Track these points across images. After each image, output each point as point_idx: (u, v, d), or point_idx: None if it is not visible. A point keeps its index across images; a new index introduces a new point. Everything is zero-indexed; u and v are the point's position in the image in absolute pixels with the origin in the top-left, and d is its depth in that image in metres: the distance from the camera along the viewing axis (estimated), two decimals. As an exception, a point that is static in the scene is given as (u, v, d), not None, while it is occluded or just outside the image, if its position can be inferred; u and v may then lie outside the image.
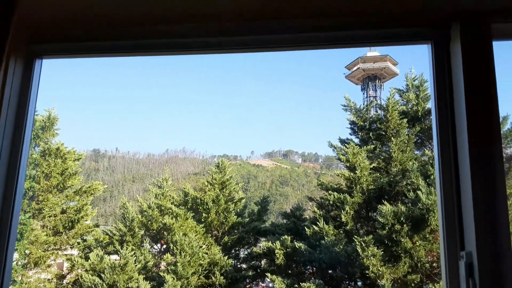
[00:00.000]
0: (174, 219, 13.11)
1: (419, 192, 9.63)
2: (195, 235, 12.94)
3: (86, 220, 14.73)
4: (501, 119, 9.45)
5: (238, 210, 14.61)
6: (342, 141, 13.58)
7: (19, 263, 12.94)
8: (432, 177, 9.56)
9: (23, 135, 1.68)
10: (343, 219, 11.62)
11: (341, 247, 11.53)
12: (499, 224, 1.20)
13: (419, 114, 10.87)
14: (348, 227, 11.78)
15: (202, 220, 13.78)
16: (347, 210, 11.59)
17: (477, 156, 1.26)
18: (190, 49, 1.69)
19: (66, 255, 13.87)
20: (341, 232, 12.05)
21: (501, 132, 10.23)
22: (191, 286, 12.17)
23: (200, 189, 14.95)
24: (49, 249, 13.64)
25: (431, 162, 9.90)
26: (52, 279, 13.71)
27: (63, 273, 13.98)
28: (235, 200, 14.49)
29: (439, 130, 1.41)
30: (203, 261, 12.49)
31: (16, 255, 12.92)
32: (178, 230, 12.82)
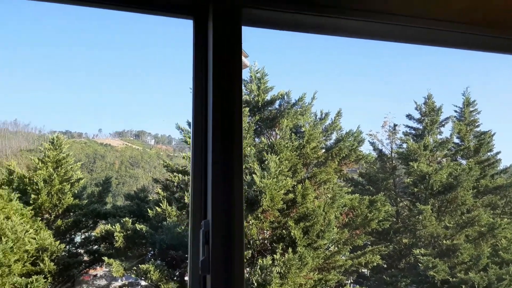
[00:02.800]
0: (-7, 201, 11.41)
1: (254, 175, 10.51)
2: (21, 219, 11.54)
3: None
4: (320, 113, 10.81)
5: (76, 191, 13.56)
6: (190, 124, 13.86)
7: None
8: (266, 162, 10.53)
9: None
10: (187, 200, 11.92)
11: (183, 227, 11.84)
12: (234, 199, 1.31)
13: (260, 104, 11.78)
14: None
15: (31, 202, 12.35)
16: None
17: (218, 137, 1.34)
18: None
19: None
20: (183, 213, 12.34)
21: (323, 126, 11.90)
22: (14, 274, 10.88)
23: (34, 168, 13.35)
24: None
25: (266, 148, 10.89)
26: None
27: None
28: (72, 181, 13.38)
29: (194, 113, 1.44)
30: (29, 247, 11.25)
31: None
32: (-2, 214, 11.22)
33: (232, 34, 1.39)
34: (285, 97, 11.71)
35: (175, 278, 12.41)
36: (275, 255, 10.32)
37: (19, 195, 12.13)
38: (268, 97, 11.81)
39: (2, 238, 10.81)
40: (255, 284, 10.45)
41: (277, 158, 10.32)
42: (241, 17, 1.41)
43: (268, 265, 10.14)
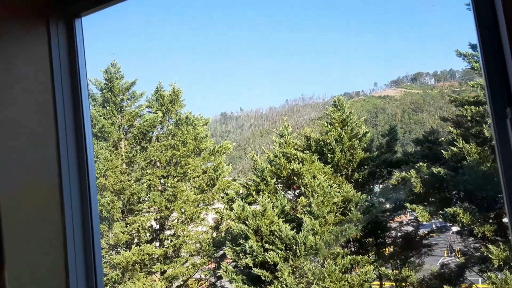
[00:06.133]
0: (300, 164, 13.35)
1: None
2: (324, 176, 13.01)
3: (224, 176, 16.14)
4: None
5: (365, 145, 14.11)
6: (474, 47, 11.66)
7: (179, 220, 15.01)
8: None
9: (80, 100, 1.74)
10: (486, 134, 10.20)
11: (489, 165, 10.23)
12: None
13: None
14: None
15: (329, 160, 13.73)
16: (490, 123, 10.10)
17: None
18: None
19: (214, 208, 15.54)
20: (486, 148, 10.64)
21: None
22: (329, 224, 12.43)
23: (325, 131, 14.83)
24: (199, 205, 15.46)
25: None
26: (207, 230, 15.61)
27: (215, 224, 15.77)
28: (359, 136, 13.98)
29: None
30: (336, 199, 12.56)
31: (175, 214, 15.01)
32: (306, 174, 13.05)
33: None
34: None
35: (490, 221, 10.99)
36: None
37: (318, 156, 13.72)
38: None
39: (314, 194, 12.52)
40: None
41: None
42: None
43: None
